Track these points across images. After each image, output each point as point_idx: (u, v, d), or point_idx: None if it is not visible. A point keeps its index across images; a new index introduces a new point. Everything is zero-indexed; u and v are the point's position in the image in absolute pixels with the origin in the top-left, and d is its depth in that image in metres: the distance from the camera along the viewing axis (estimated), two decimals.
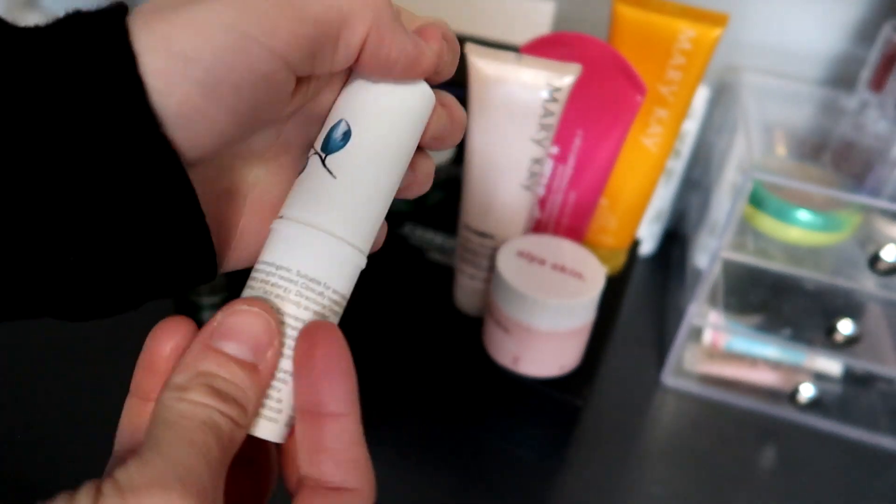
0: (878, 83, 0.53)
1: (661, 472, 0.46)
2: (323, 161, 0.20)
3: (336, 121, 0.21)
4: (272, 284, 0.19)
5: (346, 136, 0.21)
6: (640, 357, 0.55)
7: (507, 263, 0.41)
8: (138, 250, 0.17)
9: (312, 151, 0.21)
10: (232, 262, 0.22)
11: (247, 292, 0.20)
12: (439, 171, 0.54)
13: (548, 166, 0.46)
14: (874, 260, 0.46)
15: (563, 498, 0.44)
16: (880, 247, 0.46)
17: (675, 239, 0.66)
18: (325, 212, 0.20)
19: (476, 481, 0.44)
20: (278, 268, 0.19)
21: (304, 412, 0.19)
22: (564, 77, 0.39)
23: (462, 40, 0.43)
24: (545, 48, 0.42)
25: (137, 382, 0.19)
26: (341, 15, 0.18)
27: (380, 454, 0.49)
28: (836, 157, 0.53)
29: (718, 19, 0.43)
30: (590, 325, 0.42)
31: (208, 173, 0.20)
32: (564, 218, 0.48)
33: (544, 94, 0.39)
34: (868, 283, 0.47)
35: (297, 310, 0.19)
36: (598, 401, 0.51)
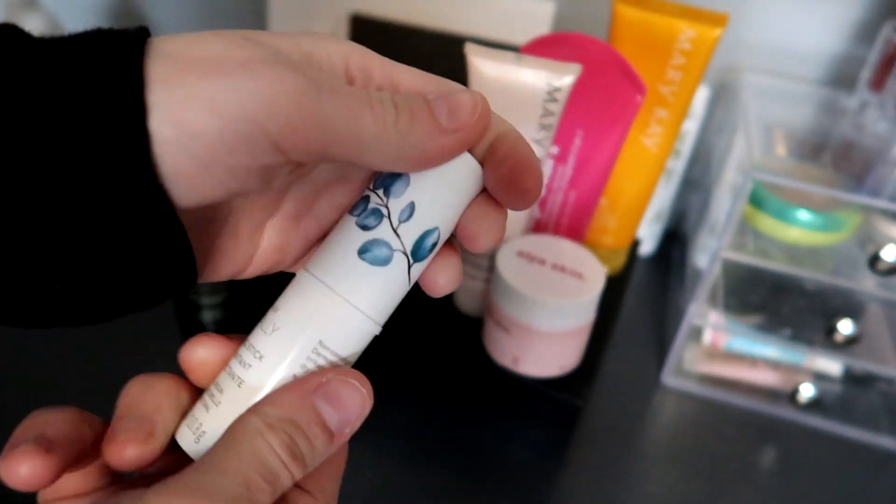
0: (878, 83, 0.53)
1: (661, 472, 0.46)
2: (409, 268, 0.20)
3: (433, 226, 0.20)
4: (315, 356, 0.20)
5: (434, 247, 0.20)
6: (640, 357, 0.55)
7: (507, 263, 0.41)
8: (122, 275, 0.17)
9: (399, 247, 0.20)
10: (206, 276, 0.22)
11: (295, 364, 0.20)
12: None
13: (548, 166, 0.46)
14: (874, 260, 0.46)
15: (563, 498, 0.44)
16: (880, 247, 0.46)
17: (675, 239, 0.66)
18: (385, 311, 0.21)
19: (476, 481, 0.44)
20: (331, 352, 0.20)
21: None
22: (564, 77, 0.39)
23: (462, 40, 0.43)
24: (545, 48, 0.42)
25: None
26: (361, 141, 0.18)
27: (380, 454, 0.49)
28: (836, 157, 0.53)
29: (718, 19, 0.43)
30: (590, 325, 0.42)
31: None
32: (564, 218, 0.48)
33: (544, 95, 0.39)
34: (868, 283, 0.47)
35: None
36: (598, 401, 0.51)
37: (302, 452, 0.18)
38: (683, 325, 0.50)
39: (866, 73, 0.54)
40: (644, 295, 0.61)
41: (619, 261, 0.53)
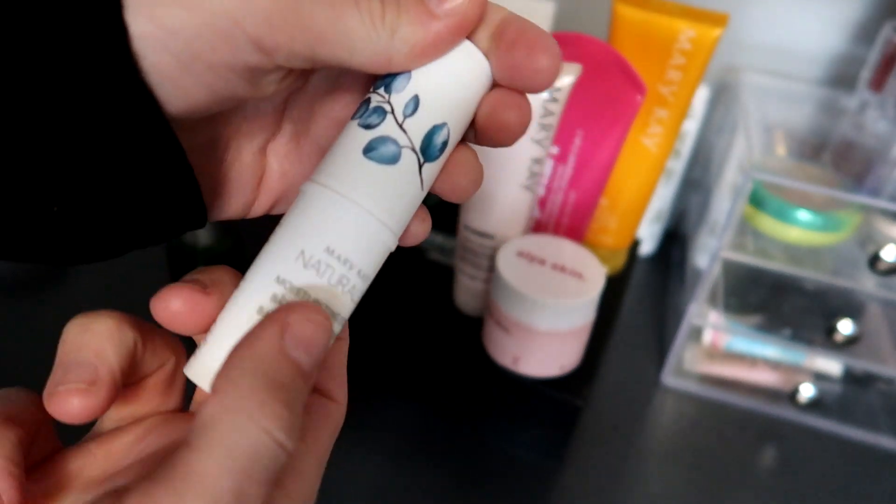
0: (878, 83, 0.53)
1: (661, 472, 0.46)
2: (420, 168, 0.19)
3: (441, 121, 0.19)
4: (326, 267, 0.18)
5: (445, 145, 0.19)
6: (640, 357, 0.55)
7: (507, 263, 0.41)
8: (123, 198, 0.17)
9: (407, 143, 0.18)
10: (216, 211, 0.21)
11: (302, 274, 0.18)
12: None
13: (548, 166, 0.46)
14: (874, 260, 0.46)
15: (563, 498, 0.44)
16: (880, 247, 0.46)
17: (675, 239, 0.66)
18: (400, 219, 0.19)
19: (476, 481, 0.44)
20: (342, 260, 0.18)
21: None
22: (564, 77, 0.39)
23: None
24: None
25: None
26: (348, 41, 0.17)
27: (380, 453, 0.49)
28: (836, 157, 0.53)
29: (718, 19, 0.43)
30: (590, 325, 0.42)
31: (189, 123, 0.19)
32: (564, 218, 0.48)
33: (544, 94, 0.39)
34: (868, 283, 0.47)
35: (350, 304, 0.19)
36: (598, 401, 0.51)
37: (296, 419, 0.16)
38: (683, 325, 0.50)
39: (866, 73, 0.54)
40: (644, 295, 0.61)
41: (619, 261, 0.53)
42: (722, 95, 0.61)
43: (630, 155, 0.47)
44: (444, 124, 0.19)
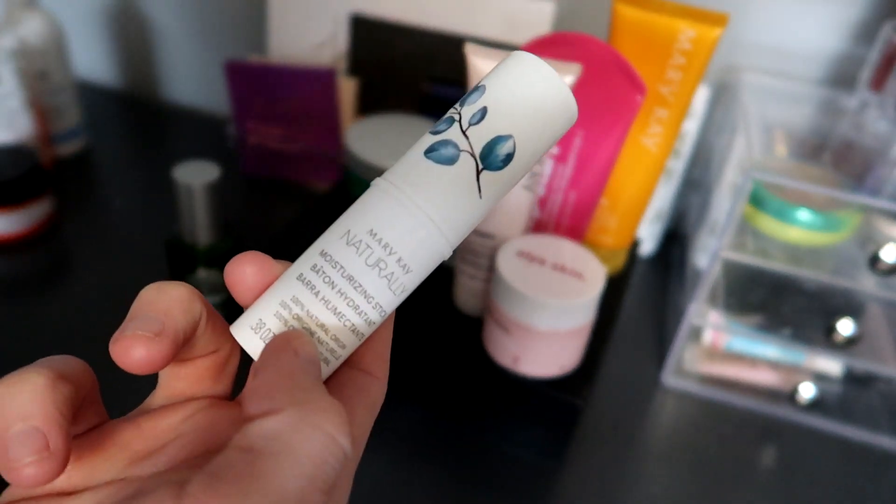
0: (878, 83, 0.53)
1: (661, 472, 0.46)
2: (478, 174, 0.19)
3: (506, 133, 0.19)
4: (367, 248, 0.19)
5: (509, 158, 0.19)
6: (640, 357, 0.55)
7: (507, 263, 0.41)
8: None
9: (467, 147, 0.19)
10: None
11: (344, 250, 0.19)
12: None
13: (548, 166, 0.46)
14: (874, 260, 0.46)
15: (563, 498, 0.44)
16: (880, 247, 0.46)
17: (675, 239, 0.66)
18: (451, 220, 0.19)
19: (476, 481, 0.44)
20: (382, 244, 0.19)
21: None
22: (564, 77, 0.39)
23: (462, 40, 0.43)
24: (545, 48, 0.42)
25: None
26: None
27: (379, 453, 0.49)
28: (836, 157, 0.53)
29: (718, 19, 0.43)
30: (590, 325, 0.42)
31: None
32: (564, 218, 0.48)
33: None
34: (868, 283, 0.47)
35: (389, 293, 0.20)
36: (598, 401, 0.51)
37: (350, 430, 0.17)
38: (683, 325, 0.50)
39: (866, 73, 0.54)
40: (644, 295, 0.61)
41: (619, 261, 0.53)
42: (722, 95, 0.61)
43: (630, 155, 0.47)
44: (508, 136, 0.19)
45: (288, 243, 0.50)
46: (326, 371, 0.20)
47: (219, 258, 0.47)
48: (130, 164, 0.71)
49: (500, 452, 0.46)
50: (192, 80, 0.80)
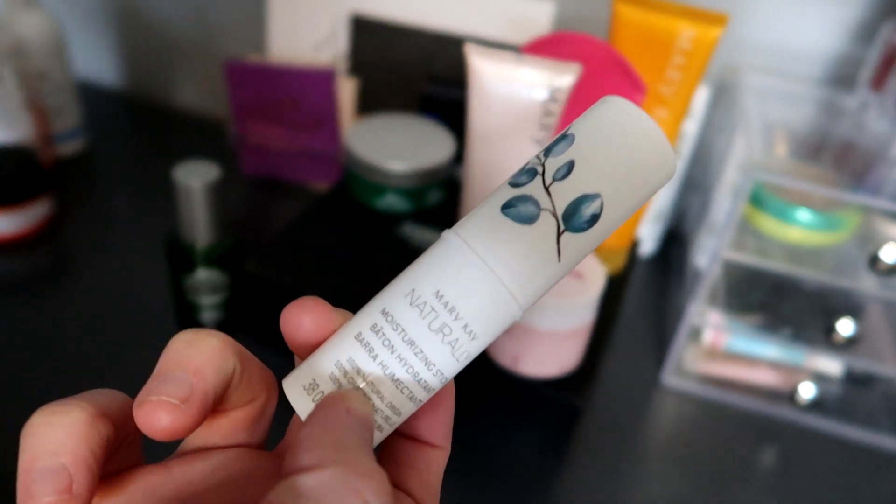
0: (878, 83, 0.53)
1: (660, 472, 0.46)
2: (559, 236, 0.17)
3: (593, 191, 0.17)
4: (431, 311, 0.18)
5: (594, 219, 0.17)
6: (640, 357, 0.55)
7: None
8: None
9: (548, 206, 0.17)
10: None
11: (406, 310, 0.18)
12: (439, 171, 0.54)
13: None
14: (874, 260, 0.46)
15: (563, 498, 0.44)
16: (880, 247, 0.46)
17: (675, 239, 0.66)
18: (524, 283, 0.18)
19: (476, 481, 0.44)
20: (448, 307, 0.18)
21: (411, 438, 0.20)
22: (564, 77, 0.39)
23: (462, 40, 0.43)
24: (545, 48, 0.42)
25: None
26: None
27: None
28: (836, 157, 0.53)
29: (718, 19, 0.43)
30: (590, 325, 0.42)
31: None
32: None
33: (544, 94, 0.39)
34: (868, 283, 0.47)
35: (452, 360, 0.18)
36: (598, 401, 0.51)
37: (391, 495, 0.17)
38: (683, 325, 0.50)
39: (866, 73, 0.54)
40: (644, 295, 0.61)
41: (619, 261, 0.53)
42: (722, 95, 0.61)
43: None
44: (596, 196, 0.17)
45: (288, 243, 0.50)
46: (379, 437, 0.19)
47: (218, 258, 0.47)
48: (130, 164, 0.71)
49: (500, 452, 0.46)
50: (191, 80, 0.80)
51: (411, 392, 0.18)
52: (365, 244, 0.50)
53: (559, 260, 0.18)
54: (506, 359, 0.43)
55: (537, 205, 0.17)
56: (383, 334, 0.18)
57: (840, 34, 0.57)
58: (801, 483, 0.47)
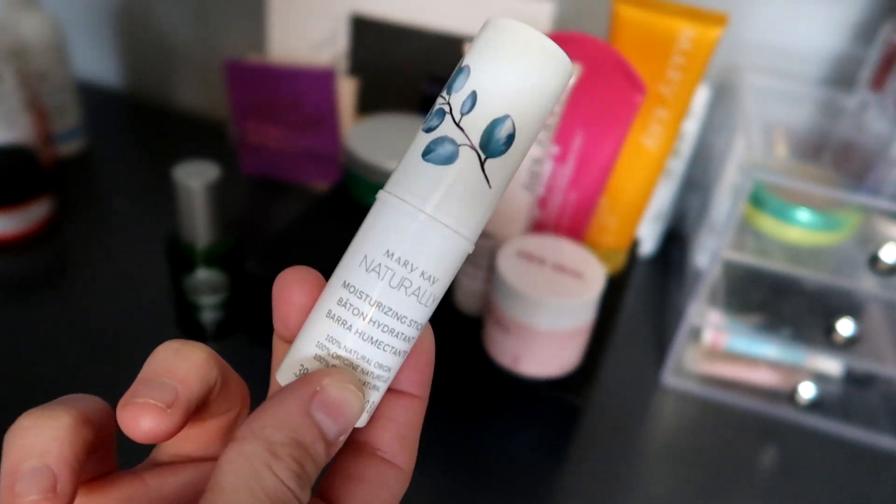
0: (878, 83, 0.53)
1: (661, 472, 0.46)
2: (482, 165, 0.18)
3: (502, 114, 0.18)
4: (387, 271, 0.18)
5: (511, 139, 0.18)
6: (640, 357, 0.55)
7: (507, 263, 0.41)
8: None
9: (465, 141, 0.18)
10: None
11: (365, 276, 0.18)
12: None
13: (548, 166, 0.46)
14: (874, 260, 0.46)
15: (563, 498, 0.44)
16: (880, 247, 0.46)
17: (675, 239, 0.66)
18: (466, 219, 0.18)
19: (476, 481, 0.44)
20: (401, 262, 0.18)
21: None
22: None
23: (462, 40, 0.43)
24: None
25: (276, 328, 0.20)
26: None
27: None
28: (836, 157, 0.53)
29: (718, 19, 0.43)
30: (590, 325, 0.42)
31: None
32: (564, 218, 0.48)
33: None
34: (868, 283, 0.47)
35: (420, 307, 0.19)
36: (598, 401, 0.51)
37: (308, 476, 0.17)
38: (683, 325, 0.50)
39: (866, 73, 0.54)
40: (644, 295, 0.61)
41: (619, 261, 0.53)
42: (722, 95, 0.61)
43: (630, 155, 0.47)
44: (505, 117, 0.18)
45: (288, 243, 0.50)
46: (377, 397, 0.19)
47: (218, 258, 0.47)
48: (130, 164, 0.71)
49: (500, 452, 0.46)
50: (191, 79, 0.80)
51: (394, 347, 0.19)
52: None
53: (490, 187, 0.19)
54: (506, 359, 0.43)
55: (454, 142, 0.18)
56: (351, 304, 0.19)
57: (840, 34, 0.57)
58: (801, 483, 0.47)
